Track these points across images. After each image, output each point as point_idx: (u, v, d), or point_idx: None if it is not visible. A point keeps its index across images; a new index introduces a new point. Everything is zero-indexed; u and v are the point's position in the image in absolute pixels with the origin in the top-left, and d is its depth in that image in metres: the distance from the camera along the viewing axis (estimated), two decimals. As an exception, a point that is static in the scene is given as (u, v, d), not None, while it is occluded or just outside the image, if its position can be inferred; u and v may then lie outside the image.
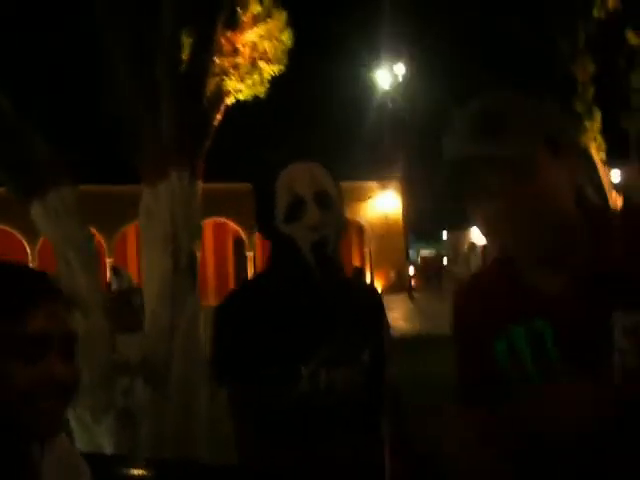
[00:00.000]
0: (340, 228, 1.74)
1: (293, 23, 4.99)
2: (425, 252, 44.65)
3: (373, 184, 29.33)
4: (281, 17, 4.72)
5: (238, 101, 4.86)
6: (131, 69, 3.98)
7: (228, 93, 4.71)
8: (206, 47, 4.36)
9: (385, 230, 29.65)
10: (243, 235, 28.83)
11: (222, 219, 27.98)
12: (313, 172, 1.69)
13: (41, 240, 24.03)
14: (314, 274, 1.67)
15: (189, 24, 4.32)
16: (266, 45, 4.73)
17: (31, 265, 23.54)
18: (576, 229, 1.20)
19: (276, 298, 1.70)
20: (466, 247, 42.40)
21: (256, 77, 4.77)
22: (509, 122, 1.15)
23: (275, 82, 4.89)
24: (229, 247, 31.13)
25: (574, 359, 1.16)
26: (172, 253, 3.65)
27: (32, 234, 23.95)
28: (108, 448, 3.41)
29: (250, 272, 28.32)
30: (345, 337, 1.71)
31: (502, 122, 1.15)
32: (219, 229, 29.88)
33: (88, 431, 3.48)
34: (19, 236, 26.07)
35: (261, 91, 4.88)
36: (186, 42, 4.58)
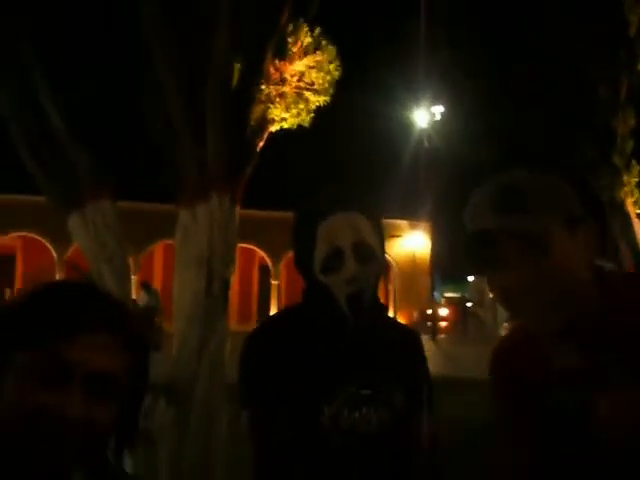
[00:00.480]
0: (379, 276, 1.77)
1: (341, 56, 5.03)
2: (450, 294, 44.29)
3: (403, 222, 29.30)
4: (330, 50, 4.76)
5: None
6: (176, 85, 4.01)
7: (272, 121, 4.74)
8: (254, 74, 4.40)
9: (412, 269, 29.55)
10: (269, 263, 28.87)
11: (249, 245, 28.09)
12: (354, 223, 1.68)
13: (71, 250, 24.31)
14: (348, 322, 1.67)
15: (240, 51, 4.37)
16: (313, 76, 4.76)
17: (59, 276, 23.77)
18: (589, 302, 1.23)
19: (307, 335, 1.70)
20: (491, 292, 41.94)
21: (301, 106, 4.80)
22: (528, 199, 1.20)
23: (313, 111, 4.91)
24: (254, 274, 31.18)
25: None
26: (206, 276, 3.64)
27: (62, 243, 24.25)
28: (126, 469, 3.37)
29: (274, 301, 28.29)
30: (375, 379, 1.69)
31: (521, 199, 1.20)
32: (245, 255, 30.01)
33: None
34: (48, 245, 26.42)
35: (306, 120, 4.90)
36: (235, 67, 4.65)
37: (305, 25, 4.71)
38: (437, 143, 26.25)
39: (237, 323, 22.26)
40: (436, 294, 32.66)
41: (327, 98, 4.89)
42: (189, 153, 3.98)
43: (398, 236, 28.94)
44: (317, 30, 4.75)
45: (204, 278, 3.64)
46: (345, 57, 5.05)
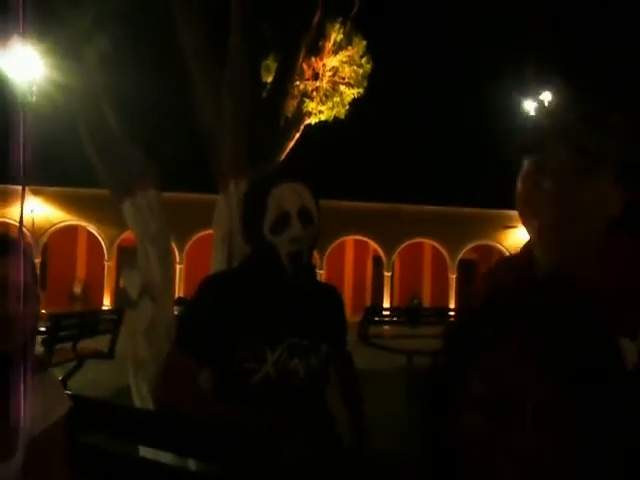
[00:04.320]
0: (315, 239, 2.01)
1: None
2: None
3: (515, 212, 28.55)
4: (361, 44, 5.07)
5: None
6: (213, 93, 4.46)
7: (309, 114, 5.13)
8: (288, 72, 4.80)
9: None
10: (382, 254, 29.06)
11: (362, 237, 28.45)
12: (298, 191, 1.95)
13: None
14: (290, 279, 1.95)
15: (274, 50, 4.78)
16: (346, 70, 5.09)
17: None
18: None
19: (253, 293, 1.95)
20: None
21: (336, 99, 5.15)
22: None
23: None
24: (368, 265, 31.48)
25: None
26: (227, 252, 4.08)
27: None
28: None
29: (387, 291, 28.45)
30: (309, 330, 1.98)
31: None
32: (359, 247, 30.42)
33: (144, 401, 3.97)
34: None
35: (342, 112, 5.25)
36: (272, 66, 5.06)
37: (337, 22, 5.04)
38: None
39: (351, 314, 22.58)
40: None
41: (361, 90, 5.21)
42: (223, 144, 4.44)
43: (513, 227, 28.27)
44: (348, 26, 5.07)
45: (225, 254, 4.08)
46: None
